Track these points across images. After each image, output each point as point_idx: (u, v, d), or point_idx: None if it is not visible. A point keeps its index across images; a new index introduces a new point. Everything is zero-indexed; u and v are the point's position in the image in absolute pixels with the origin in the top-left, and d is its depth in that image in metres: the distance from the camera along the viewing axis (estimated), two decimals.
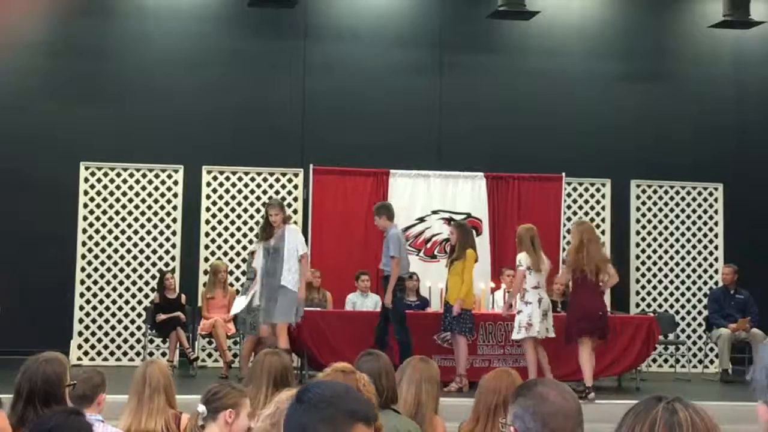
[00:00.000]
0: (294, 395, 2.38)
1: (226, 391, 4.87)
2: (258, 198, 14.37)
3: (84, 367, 6.29)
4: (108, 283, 13.96)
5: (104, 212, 14.02)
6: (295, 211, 14.36)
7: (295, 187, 14.45)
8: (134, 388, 5.31)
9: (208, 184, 14.28)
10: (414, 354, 10.44)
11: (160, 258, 14.09)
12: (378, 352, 5.25)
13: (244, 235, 14.12)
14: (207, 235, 14.23)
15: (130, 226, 14.06)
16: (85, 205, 13.98)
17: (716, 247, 15.32)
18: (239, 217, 14.26)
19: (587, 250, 11.20)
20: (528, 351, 11.31)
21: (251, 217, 14.12)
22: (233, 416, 4.78)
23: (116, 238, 14.01)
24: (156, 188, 14.18)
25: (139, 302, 13.99)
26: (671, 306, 15.17)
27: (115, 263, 13.99)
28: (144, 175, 14.18)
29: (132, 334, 13.98)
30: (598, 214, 15.15)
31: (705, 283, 15.23)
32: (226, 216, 14.28)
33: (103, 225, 14.00)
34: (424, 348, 11.41)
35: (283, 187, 14.45)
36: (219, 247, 14.23)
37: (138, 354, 13.79)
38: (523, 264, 11.32)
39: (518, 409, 2.85)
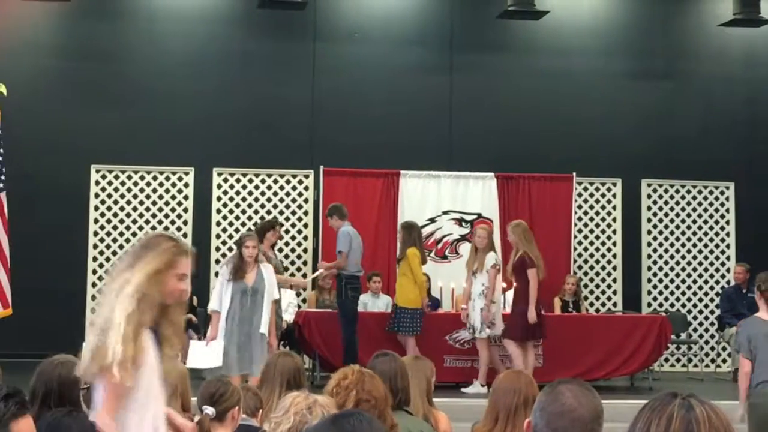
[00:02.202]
0: (333, 414, 2.38)
1: (230, 389, 4.90)
2: (269, 200, 14.39)
3: None
4: None
5: (115, 215, 14.05)
6: (306, 213, 14.38)
7: (306, 188, 14.47)
8: None
9: (219, 186, 14.30)
10: (358, 355, 10.55)
11: None
12: (392, 353, 5.25)
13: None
14: (218, 237, 14.25)
15: (141, 228, 14.09)
16: (96, 208, 14.01)
17: (728, 246, 15.30)
18: (250, 219, 14.27)
19: (534, 249, 11.37)
20: (483, 349, 11.43)
21: (262, 218, 14.11)
22: (239, 413, 4.82)
23: (127, 240, 14.03)
24: (167, 191, 14.21)
25: None
26: (683, 305, 15.15)
27: None
28: (155, 178, 14.21)
29: None
30: (609, 213, 15.13)
31: (717, 282, 15.20)
32: (237, 218, 14.30)
33: (114, 228, 14.03)
34: (437, 348, 11.47)
35: (294, 188, 14.47)
36: (230, 249, 14.22)
37: None
38: (499, 263, 11.47)
39: (536, 403, 2.89)
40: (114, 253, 13.97)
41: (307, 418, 3.12)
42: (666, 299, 15.17)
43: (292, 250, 14.37)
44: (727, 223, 15.34)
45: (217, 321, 9.93)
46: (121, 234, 14.04)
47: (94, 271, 13.94)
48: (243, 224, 14.25)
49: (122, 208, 14.08)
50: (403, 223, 12.28)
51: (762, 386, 7.54)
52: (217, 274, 13.70)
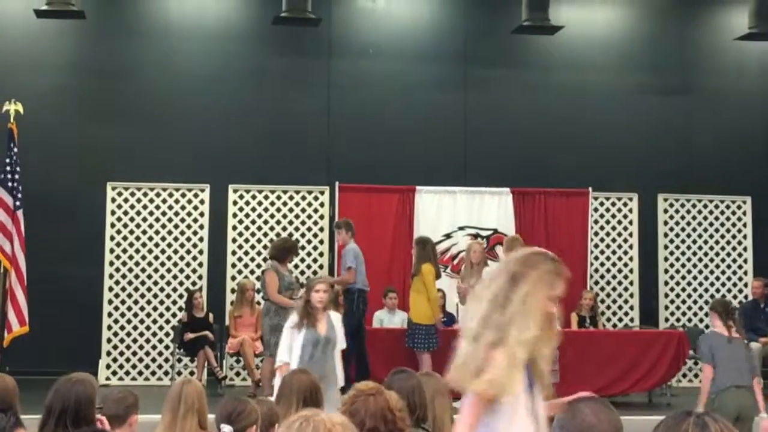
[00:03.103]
0: None
1: (249, 408, 4.90)
2: (284, 216, 14.40)
3: (117, 387, 6.31)
4: (136, 302, 14.01)
5: (131, 232, 14.09)
6: (321, 229, 14.38)
7: (321, 204, 14.48)
8: (169, 405, 5.32)
9: (235, 203, 14.33)
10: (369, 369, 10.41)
11: (187, 277, 14.14)
12: (410, 369, 5.24)
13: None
14: (234, 253, 14.27)
15: (157, 245, 14.12)
16: (112, 225, 14.05)
17: (745, 261, 15.23)
18: (266, 235, 14.29)
19: None
20: None
21: (278, 235, 14.12)
22: (257, 431, 4.82)
23: (143, 257, 14.08)
24: (182, 207, 14.24)
25: (167, 321, 14.03)
26: (701, 320, 15.07)
27: (143, 282, 14.05)
28: (170, 195, 14.24)
29: (160, 354, 14.02)
30: (625, 228, 15.09)
31: (734, 296, 15.12)
32: (253, 234, 14.32)
33: (131, 244, 14.07)
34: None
35: (309, 205, 14.48)
36: (246, 266, 14.27)
37: (166, 373, 13.83)
38: None
39: (555, 421, 2.89)
40: (130, 270, 14.01)
41: None
42: (683, 314, 15.10)
43: (308, 267, 14.36)
44: (745, 237, 15.28)
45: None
46: (137, 251, 14.07)
47: (111, 288, 13.97)
48: (258, 240, 14.27)
49: (138, 225, 14.11)
50: (417, 238, 12.28)
51: (723, 393, 8.64)
52: (233, 290, 13.79)
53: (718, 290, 15.15)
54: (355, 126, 14.88)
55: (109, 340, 13.91)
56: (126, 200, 14.13)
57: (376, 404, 3.71)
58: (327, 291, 8.74)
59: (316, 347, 8.56)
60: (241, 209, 14.36)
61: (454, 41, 15.27)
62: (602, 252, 14.99)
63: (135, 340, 13.99)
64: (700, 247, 15.23)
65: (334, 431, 2.74)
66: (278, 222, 14.38)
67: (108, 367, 13.86)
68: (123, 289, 14.00)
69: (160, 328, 14.05)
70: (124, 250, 14.05)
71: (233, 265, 14.24)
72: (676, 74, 15.71)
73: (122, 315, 13.98)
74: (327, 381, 8.30)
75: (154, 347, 14.03)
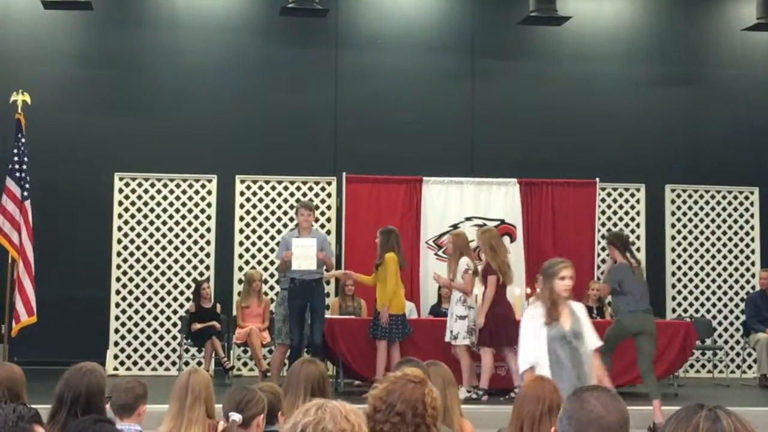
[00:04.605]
0: None
1: (257, 396, 4.91)
2: (292, 207, 14.39)
3: (126, 377, 6.32)
4: (143, 293, 14.03)
5: (138, 222, 14.10)
6: (328, 220, 14.39)
7: (329, 195, 14.47)
8: (176, 395, 5.33)
9: (242, 194, 14.33)
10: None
11: (195, 267, 14.14)
12: (418, 360, 5.23)
13: (278, 244, 14.10)
14: (241, 244, 14.27)
15: (164, 236, 14.13)
16: (120, 216, 14.06)
17: (753, 251, 15.20)
18: (273, 226, 14.30)
19: (500, 255, 11.35)
20: (466, 357, 11.48)
21: (285, 225, 14.14)
22: (263, 421, 4.83)
23: (151, 248, 14.09)
24: (190, 198, 14.25)
25: (174, 312, 14.05)
26: (708, 311, 15.06)
27: (150, 273, 14.06)
28: (178, 185, 14.25)
29: (168, 344, 14.04)
30: (632, 219, 15.07)
31: (742, 287, 15.11)
32: (260, 225, 14.32)
33: (138, 235, 14.08)
34: (449, 356, 11.40)
35: (317, 195, 14.48)
36: (253, 256, 14.27)
37: (174, 363, 13.85)
38: (471, 267, 11.52)
39: (562, 411, 2.88)
40: (137, 260, 14.02)
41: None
42: (690, 305, 15.09)
43: None
44: (752, 228, 15.25)
45: None
46: (145, 242, 14.08)
47: (118, 279, 13.98)
48: (266, 231, 14.28)
49: (146, 216, 14.12)
50: (381, 228, 12.18)
51: (630, 314, 10.46)
52: (240, 281, 13.79)
53: (725, 281, 15.13)
54: (362, 117, 14.88)
55: (116, 331, 13.93)
56: (133, 191, 14.14)
57: (414, 393, 3.69)
58: (573, 277, 7.31)
59: (563, 345, 7.12)
60: (248, 200, 14.36)
61: (461, 32, 15.26)
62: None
63: (142, 331, 14.00)
64: (707, 238, 15.20)
65: (349, 418, 2.75)
66: (285, 213, 14.38)
67: (116, 357, 13.88)
68: (131, 279, 14.01)
69: (168, 318, 14.06)
70: (132, 241, 14.06)
71: (240, 256, 14.24)
72: (684, 65, 15.69)
73: (130, 305, 13.99)
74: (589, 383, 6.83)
75: (161, 337, 14.05)
